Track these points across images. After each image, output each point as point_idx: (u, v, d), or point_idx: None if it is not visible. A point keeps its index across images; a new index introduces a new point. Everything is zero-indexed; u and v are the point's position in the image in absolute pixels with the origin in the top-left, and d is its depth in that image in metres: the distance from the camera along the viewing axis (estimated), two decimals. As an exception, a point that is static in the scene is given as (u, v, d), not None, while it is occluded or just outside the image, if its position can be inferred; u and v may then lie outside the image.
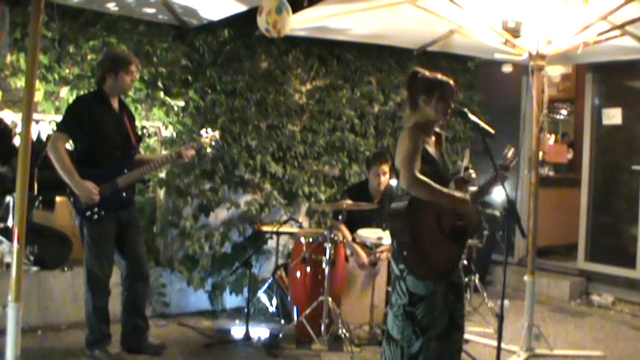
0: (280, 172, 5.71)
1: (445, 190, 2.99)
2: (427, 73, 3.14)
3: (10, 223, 4.73)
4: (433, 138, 3.19)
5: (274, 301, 5.20)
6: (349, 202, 4.66)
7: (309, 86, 5.96)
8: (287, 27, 4.42)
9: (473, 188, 3.27)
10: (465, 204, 3.01)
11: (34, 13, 3.01)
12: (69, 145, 4.00)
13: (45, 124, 4.95)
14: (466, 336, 4.80)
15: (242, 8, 4.67)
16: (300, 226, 5.48)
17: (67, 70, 4.74)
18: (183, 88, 5.25)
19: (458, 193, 3.03)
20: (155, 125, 5.31)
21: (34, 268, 4.73)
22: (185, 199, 5.27)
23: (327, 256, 4.47)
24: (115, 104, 4.06)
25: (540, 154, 4.85)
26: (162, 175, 5.21)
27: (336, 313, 4.47)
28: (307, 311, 4.45)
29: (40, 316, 4.62)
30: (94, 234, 3.95)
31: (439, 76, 3.12)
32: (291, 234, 5.56)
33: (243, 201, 5.60)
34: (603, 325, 5.56)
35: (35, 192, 4.83)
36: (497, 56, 5.01)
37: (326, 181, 6.04)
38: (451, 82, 3.12)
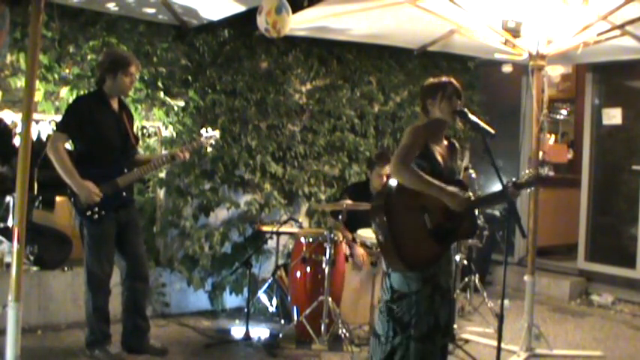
0: (280, 172, 5.71)
1: (434, 180, 3.04)
2: (433, 79, 3.31)
3: (10, 223, 4.73)
4: (445, 142, 3.28)
5: (274, 301, 5.20)
6: (349, 202, 4.66)
7: (309, 86, 5.96)
8: (287, 27, 4.42)
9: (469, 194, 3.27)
10: (455, 198, 3.03)
11: (34, 13, 3.01)
12: (68, 146, 4.00)
13: (45, 124, 4.95)
14: (466, 336, 4.84)
15: (242, 8, 4.67)
16: (300, 226, 5.48)
17: (67, 70, 4.74)
18: (183, 88, 5.25)
19: (450, 187, 3.05)
20: (155, 125, 5.31)
21: (34, 268, 4.73)
22: (185, 199, 5.27)
23: (327, 256, 4.47)
24: (115, 104, 4.06)
25: (540, 154, 4.84)
26: (163, 175, 5.21)
27: (336, 313, 4.47)
28: (307, 311, 4.45)
29: (40, 316, 4.62)
30: (94, 234, 3.95)
31: (444, 78, 3.27)
32: (291, 234, 5.56)
33: (243, 201, 5.60)
34: (603, 325, 5.56)
35: (35, 192, 4.83)
36: (497, 56, 5.02)
37: (326, 181, 6.04)
38: (453, 81, 3.24)
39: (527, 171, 3.31)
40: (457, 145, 3.38)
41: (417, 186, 3.03)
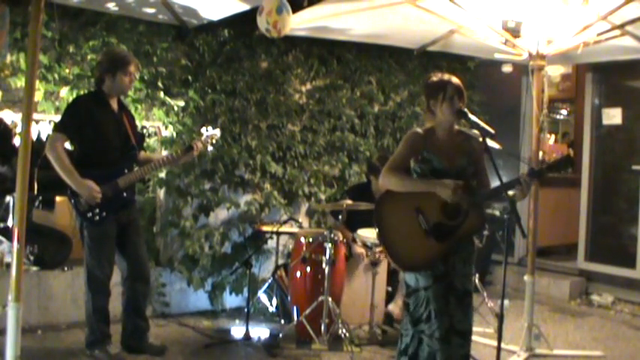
0: (280, 172, 5.71)
1: (418, 179, 3.12)
2: (433, 77, 3.27)
3: (10, 223, 4.73)
4: (458, 140, 3.23)
5: (274, 301, 5.20)
6: (349, 201, 4.66)
7: (309, 86, 5.96)
8: (287, 27, 4.42)
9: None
10: (445, 188, 3.01)
11: (34, 13, 3.01)
12: (68, 146, 3.99)
13: (45, 124, 4.95)
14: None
15: (242, 8, 4.67)
16: (300, 226, 5.48)
17: (67, 70, 4.74)
18: (183, 88, 5.25)
19: (438, 180, 3.05)
20: (155, 125, 5.31)
21: (34, 268, 4.73)
22: (185, 199, 5.27)
23: (327, 256, 4.47)
24: (115, 104, 4.05)
25: (540, 154, 4.84)
26: (163, 175, 5.21)
27: (336, 313, 4.47)
28: (307, 311, 4.45)
29: (40, 316, 4.62)
30: (95, 235, 3.94)
31: (445, 77, 3.24)
32: (291, 234, 5.56)
33: (243, 201, 5.60)
34: (603, 325, 5.56)
35: (35, 192, 4.82)
36: (497, 56, 5.02)
37: (326, 181, 6.04)
38: (454, 80, 3.22)
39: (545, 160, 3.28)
40: (475, 144, 3.24)
41: (405, 188, 3.10)
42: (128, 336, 4.18)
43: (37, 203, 5.04)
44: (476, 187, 3.19)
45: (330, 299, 4.45)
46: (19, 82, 4.50)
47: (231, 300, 5.49)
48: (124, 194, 3.99)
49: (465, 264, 3.18)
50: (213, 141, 4.34)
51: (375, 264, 4.66)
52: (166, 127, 5.21)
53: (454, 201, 3.03)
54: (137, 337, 4.19)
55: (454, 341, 3.08)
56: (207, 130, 4.33)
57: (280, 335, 4.56)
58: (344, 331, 4.43)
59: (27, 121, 3.01)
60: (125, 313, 4.18)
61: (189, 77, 5.28)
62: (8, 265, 4.37)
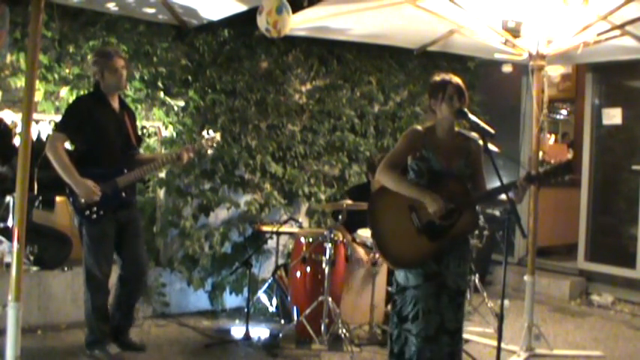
0: (280, 172, 5.70)
1: (414, 185, 3.13)
2: (436, 77, 3.28)
3: (10, 223, 4.73)
4: (457, 141, 3.24)
5: (274, 301, 5.20)
6: (349, 201, 4.66)
7: (309, 86, 5.96)
8: (287, 27, 4.42)
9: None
10: (433, 203, 3.03)
11: (34, 13, 3.01)
12: (68, 145, 3.99)
13: (45, 124, 4.95)
14: (466, 336, 4.82)
15: (242, 8, 4.67)
16: (300, 226, 5.48)
17: (67, 70, 4.74)
18: (183, 88, 5.25)
19: (431, 193, 3.06)
20: (155, 125, 5.31)
21: (34, 268, 4.73)
22: (185, 199, 5.27)
23: (327, 256, 4.47)
24: (116, 104, 4.06)
25: (540, 154, 4.85)
26: (162, 175, 5.21)
27: (336, 313, 4.47)
28: (307, 311, 4.45)
29: (40, 316, 4.62)
30: (93, 234, 3.94)
31: (446, 77, 3.24)
32: (291, 234, 5.56)
33: (243, 201, 5.59)
34: (603, 325, 5.56)
35: (35, 192, 4.83)
36: (497, 56, 5.02)
37: (326, 181, 6.04)
38: (455, 80, 3.22)
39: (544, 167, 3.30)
40: (473, 146, 3.26)
41: (398, 189, 3.13)
42: (111, 329, 4.17)
43: (37, 203, 5.04)
44: (471, 189, 3.19)
45: (330, 299, 4.45)
46: (19, 82, 4.50)
47: (231, 300, 5.49)
48: (123, 194, 3.99)
49: (459, 263, 3.19)
50: (213, 144, 4.33)
51: (375, 263, 4.66)
52: (166, 127, 5.21)
53: (438, 219, 3.05)
54: (120, 332, 4.19)
55: (442, 340, 3.09)
56: (207, 134, 4.33)
57: (280, 335, 4.57)
58: (344, 331, 4.43)
59: (27, 121, 3.01)
60: (114, 307, 4.17)
61: (189, 77, 5.28)
62: (8, 265, 4.37)
